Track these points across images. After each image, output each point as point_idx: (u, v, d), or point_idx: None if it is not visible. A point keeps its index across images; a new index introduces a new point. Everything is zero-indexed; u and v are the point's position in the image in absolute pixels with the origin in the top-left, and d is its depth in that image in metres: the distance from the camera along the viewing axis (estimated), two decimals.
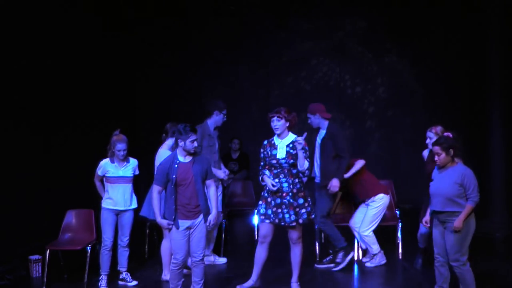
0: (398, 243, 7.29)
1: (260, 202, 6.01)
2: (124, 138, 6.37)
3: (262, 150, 6.02)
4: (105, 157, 6.44)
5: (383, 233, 7.98)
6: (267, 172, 5.99)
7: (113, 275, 6.58)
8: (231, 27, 10.25)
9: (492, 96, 8.66)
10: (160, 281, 6.68)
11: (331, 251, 7.08)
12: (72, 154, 7.65)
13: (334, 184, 6.75)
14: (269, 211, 5.91)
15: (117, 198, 6.40)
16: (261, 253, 6.09)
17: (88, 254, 6.45)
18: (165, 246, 6.63)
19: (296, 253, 6.03)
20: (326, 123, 6.93)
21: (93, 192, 6.76)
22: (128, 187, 6.45)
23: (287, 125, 5.92)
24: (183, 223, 5.58)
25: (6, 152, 6.71)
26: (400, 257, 7.21)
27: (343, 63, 10.45)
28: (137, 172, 6.55)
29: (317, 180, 7.04)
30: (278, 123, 5.89)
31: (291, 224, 5.85)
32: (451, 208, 5.37)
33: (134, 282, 6.58)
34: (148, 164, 6.81)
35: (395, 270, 6.99)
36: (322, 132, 6.98)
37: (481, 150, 8.52)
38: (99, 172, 6.42)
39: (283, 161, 5.85)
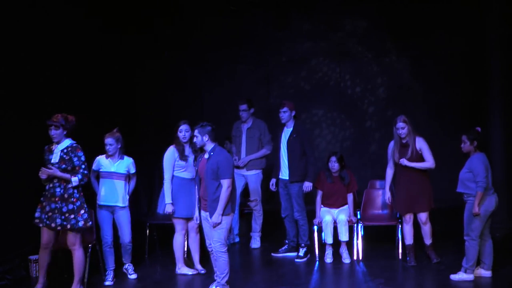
0: (398, 243, 7.30)
1: (38, 207, 6.03)
2: (114, 133, 6.58)
3: (44, 155, 6.06)
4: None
5: (383, 233, 8.00)
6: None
7: (119, 272, 6.74)
8: (231, 27, 10.24)
9: (492, 96, 8.64)
10: (159, 281, 6.70)
11: (286, 241, 7.58)
12: None
13: (307, 185, 7.28)
14: (43, 216, 5.94)
15: (108, 193, 6.56)
16: (43, 258, 6.10)
17: (88, 254, 6.46)
18: (177, 240, 6.75)
19: (76, 259, 6.07)
20: (293, 121, 7.36)
21: (93, 192, 6.77)
22: (120, 183, 6.58)
23: (65, 133, 6.00)
24: (203, 213, 6.02)
25: (6, 152, 6.71)
26: (400, 257, 7.21)
27: (343, 63, 10.45)
28: (132, 171, 6.66)
29: (282, 176, 7.43)
30: (55, 132, 5.94)
31: (58, 228, 5.93)
32: (463, 189, 6.24)
33: (134, 275, 6.71)
34: (149, 164, 6.83)
35: (395, 270, 6.99)
36: (288, 130, 7.37)
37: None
38: (94, 166, 6.60)
39: (56, 165, 5.91)
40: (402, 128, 6.84)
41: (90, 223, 6.07)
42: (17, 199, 6.81)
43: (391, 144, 7.05)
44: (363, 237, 7.36)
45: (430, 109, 10.06)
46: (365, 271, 6.87)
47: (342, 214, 7.24)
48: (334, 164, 7.31)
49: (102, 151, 6.67)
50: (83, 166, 5.94)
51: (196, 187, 6.21)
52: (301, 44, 10.48)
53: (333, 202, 7.36)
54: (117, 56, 9.06)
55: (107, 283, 6.54)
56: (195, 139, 5.94)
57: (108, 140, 6.50)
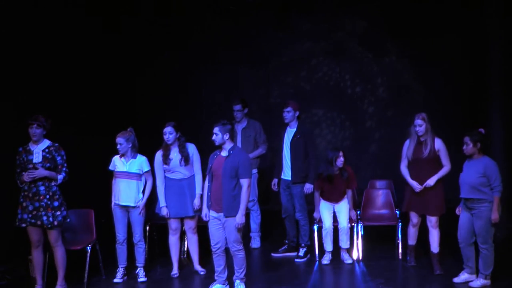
0: (398, 243, 7.30)
1: (19, 208, 6.04)
2: (125, 133, 6.56)
3: (17, 157, 6.07)
4: (107, 156, 6.65)
5: (383, 233, 8.00)
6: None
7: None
8: (231, 27, 10.24)
9: (492, 96, 8.64)
10: (159, 280, 6.71)
11: (286, 241, 7.59)
12: (71, 154, 7.63)
13: (308, 187, 7.25)
14: (25, 216, 5.98)
15: (122, 193, 6.54)
16: (39, 258, 6.16)
17: (88, 254, 6.47)
18: (170, 242, 6.79)
19: (59, 256, 6.13)
20: (297, 122, 7.33)
21: (93, 192, 6.77)
22: (132, 183, 6.56)
23: (44, 133, 6.07)
24: (212, 213, 5.94)
25: (6, 152, 6.71)
26: (400, 257, 7.21)
27: (343, 63, 10.44)
28: (145, 169, 6.63)
29: (284, 177, 7.39)
30: (37, 131, 6.00)
31: (48, 226, 5.99)
32: (475, 195, 6.02)
33: (143, 279, 6.68)
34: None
35: (395, 270, 6.99)
36: (291, 131, 7.32)
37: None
38: (110, 166, 6.63)
39: (40, 165, 5.95)
40: (420, 125, 6.70)
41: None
42: (17, 199, 6.81)
43: (407, 142, 6.91)
44: (363, 237, 7.36)
45: (430, 109, 9.97)
46: (365, 271, 6.87)
47: (343, 220, 7.15)
48: (341, 159, 7.09)
49: (99, 150, 6.68)
50: (65, 165, 6.10)
51: (207, 184, 6.09)
52: (301, 44, 10.47)
53: (331, 196, 7.25)
54: (117, 56, 9.06)
55: (115, 280, 6.60)
56: (214, 137, 5.93)
57: (118, 140, 6.51)
